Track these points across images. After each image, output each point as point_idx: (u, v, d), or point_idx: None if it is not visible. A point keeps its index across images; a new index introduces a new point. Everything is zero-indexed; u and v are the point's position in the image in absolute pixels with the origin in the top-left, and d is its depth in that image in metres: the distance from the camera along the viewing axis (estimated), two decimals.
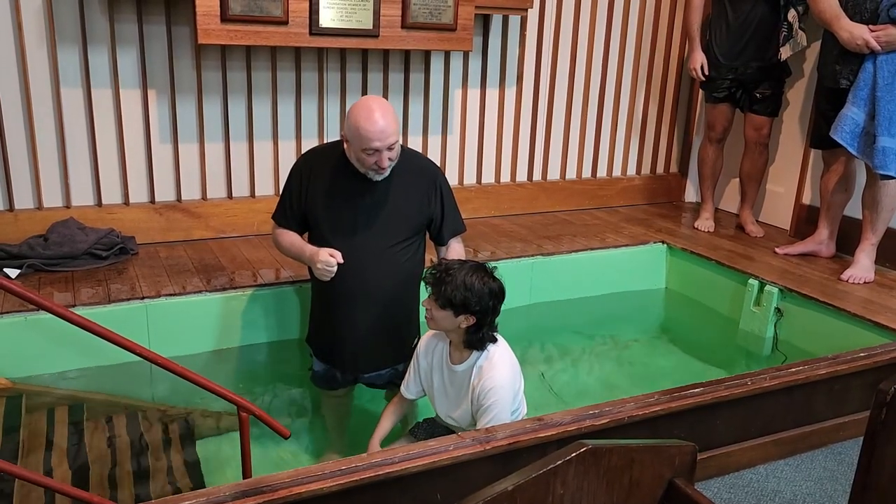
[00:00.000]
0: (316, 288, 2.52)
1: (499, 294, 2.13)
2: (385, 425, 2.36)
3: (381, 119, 2.22)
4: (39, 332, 2.59)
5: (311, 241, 2.47)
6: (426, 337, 2.33)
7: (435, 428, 2.35)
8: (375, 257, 2.39)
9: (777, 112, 3.86)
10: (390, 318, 2.46)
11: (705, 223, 4.09)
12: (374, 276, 2.39)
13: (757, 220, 4.13)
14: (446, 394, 2.25)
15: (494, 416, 2.10)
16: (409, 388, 2.35)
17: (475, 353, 2.16)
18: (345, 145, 2.37)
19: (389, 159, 2.29)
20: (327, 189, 2.41)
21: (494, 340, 2.18)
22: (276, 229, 2.53)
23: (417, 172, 2.48)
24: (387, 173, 2.34)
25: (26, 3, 2.95)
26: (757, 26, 3.69)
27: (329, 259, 2.29)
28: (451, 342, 2.22)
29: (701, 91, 4.47)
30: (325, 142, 3.64)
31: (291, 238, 2.47)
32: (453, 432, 2.24)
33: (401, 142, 2.39)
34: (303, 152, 2.63)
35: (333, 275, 2.31)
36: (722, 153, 4.09)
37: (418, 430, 2.37)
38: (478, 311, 2.08)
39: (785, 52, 3.70)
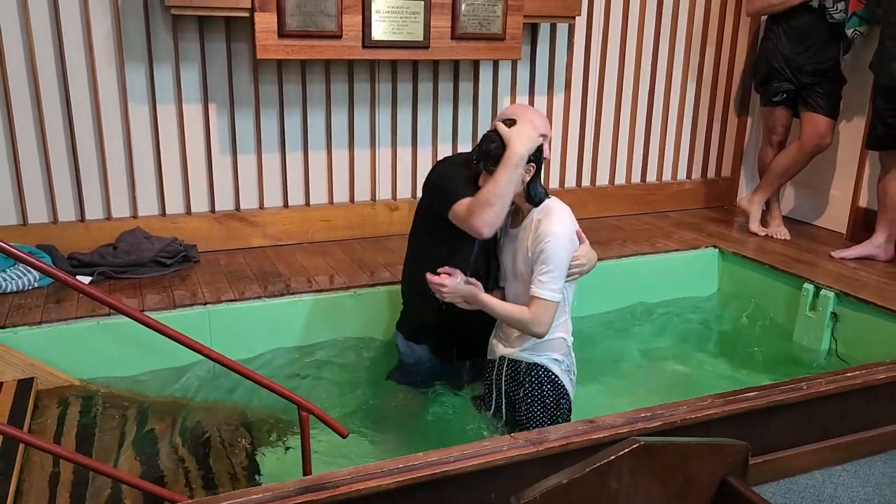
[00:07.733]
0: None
1: None
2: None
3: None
4: (111, 335, 2.72)
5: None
6: None
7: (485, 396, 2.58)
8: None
9: (835, 113, 3.75)
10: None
11: (777, 230, 3.96)
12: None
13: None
14: (513, 256, 2.39)
15: (548, 259, 2.23)
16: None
17: (532, 211, 2.33)
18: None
19: None
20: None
21: (548, 196, 2.36)
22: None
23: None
24: None
25: (97, 25, 3.11)
26: (812, 29, 3.64)
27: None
28: (513, 209, 2.40)
29: (754, 95, 4.42)
30: (376, 151, 3.73)
31: None
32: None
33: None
34: None
35: None
36: None
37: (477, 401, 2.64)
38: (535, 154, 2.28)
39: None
